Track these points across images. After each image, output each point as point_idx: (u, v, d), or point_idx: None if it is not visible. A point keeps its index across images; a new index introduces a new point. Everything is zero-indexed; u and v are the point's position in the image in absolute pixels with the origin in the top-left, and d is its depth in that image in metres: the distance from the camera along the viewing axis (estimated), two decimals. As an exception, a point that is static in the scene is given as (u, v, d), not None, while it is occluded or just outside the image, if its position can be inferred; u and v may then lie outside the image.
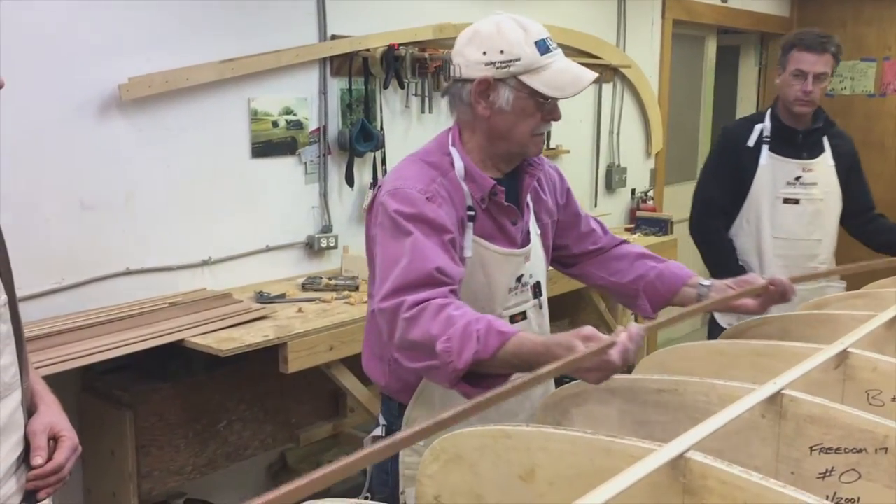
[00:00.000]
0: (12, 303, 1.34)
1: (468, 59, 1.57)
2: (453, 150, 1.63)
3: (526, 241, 1.71)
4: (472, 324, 1.37)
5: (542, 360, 1.28)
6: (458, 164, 1.61)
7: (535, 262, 1.74)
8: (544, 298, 1.78)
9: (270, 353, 2.50)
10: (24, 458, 1.33)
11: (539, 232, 1.76)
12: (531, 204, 1.74)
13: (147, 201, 2.76)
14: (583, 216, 1.89)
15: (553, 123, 1.64)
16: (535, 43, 1.54)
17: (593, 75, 1.57)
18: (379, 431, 1.76)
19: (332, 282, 3.04)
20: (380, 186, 1.62)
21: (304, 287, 3.03)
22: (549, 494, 1.08)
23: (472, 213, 1.60)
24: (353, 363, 2.71)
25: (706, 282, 1.77)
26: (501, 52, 1.53)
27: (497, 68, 1.54)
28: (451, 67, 1.61)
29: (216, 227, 2.96)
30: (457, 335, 1.36)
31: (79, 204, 2.60)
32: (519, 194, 1.70)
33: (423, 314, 1.40)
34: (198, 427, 2.65)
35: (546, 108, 1.58)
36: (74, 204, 2.59)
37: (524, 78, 1.54)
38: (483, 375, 1.39)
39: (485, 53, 1.55)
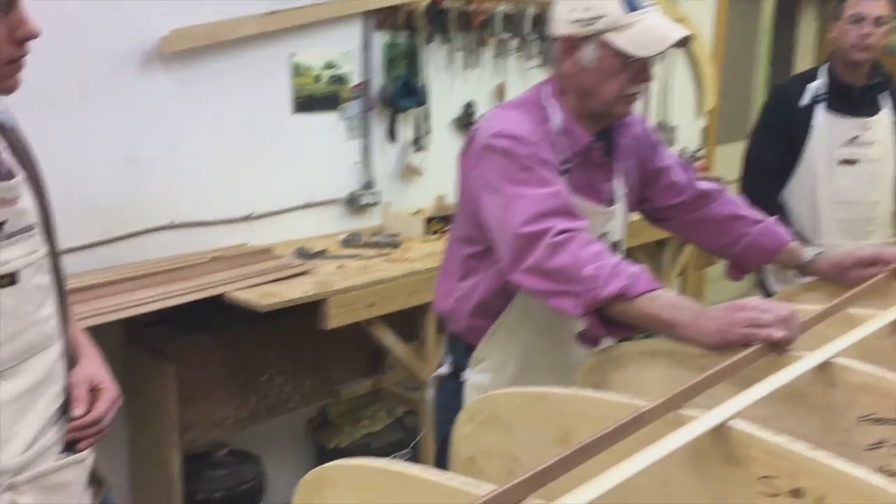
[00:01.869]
0: (54, 254, 1.35)
1: (558, 16, 1.58)
2: (552, 103, 1.63)
3: (613, 199, 1.71)
4: (623, 263, 1.40)
5: (693, 322, 1.29)
6: (556, 118, 1.61)
7: (618, 222, 1.74)
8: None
9: (311, 309, 2.50)
10: (65, 408, 1.35)
11: (625, 191, 1.76)
12: (619, 163, 1.73)
13: (189, 155, 2.77)
14: (665, 168, 1.83)
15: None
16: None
17: (682, 33, 1.54)
18: (445, 369, 1.80)
19: (373, 239, 3.03)
20: (476, 129, 1.61)
21: (344, 243, 3.03)
22: (586, 459, 1.06)
23: (567, 166, 1.60)
24: (392, 320, 2.72)
25: (810, 255, 1.74)
26: (587, 9, 1.53)
27: (582, 26, 1.53)
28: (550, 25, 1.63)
29: (258, 183, 2.96)
30: (608, 266, 1.38)
31: (123, 157, 2.62)
32: (610, 153, 1.69)
33: (572, 242, 1.42)
34: (239, 380, 2.68)
35: (633, 67, 1.56)
36: (118, 157, 2.61)
37: (608, 36, 1.52)
38: (607, 321, 1.40)
39: (572, 10, 1.55)
